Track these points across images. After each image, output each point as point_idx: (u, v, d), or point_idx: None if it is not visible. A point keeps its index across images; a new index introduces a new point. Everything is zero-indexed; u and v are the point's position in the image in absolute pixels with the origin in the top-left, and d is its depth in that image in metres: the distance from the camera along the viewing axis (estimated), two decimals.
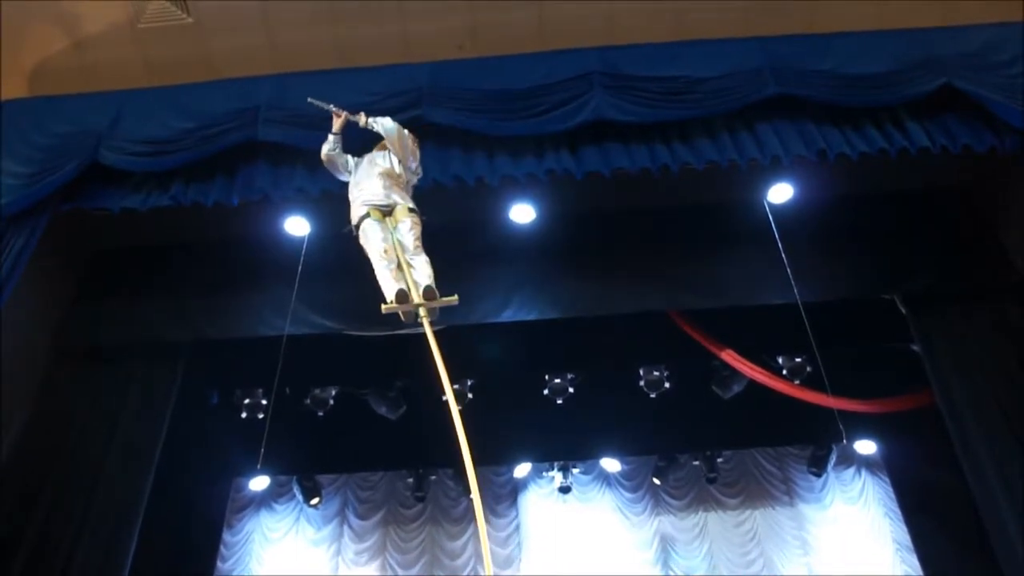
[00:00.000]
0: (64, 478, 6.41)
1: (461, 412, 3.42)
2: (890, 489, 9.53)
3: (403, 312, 3.96)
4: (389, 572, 10.15)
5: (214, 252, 7.33)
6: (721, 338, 7.55)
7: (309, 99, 4.68)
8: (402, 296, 3.92)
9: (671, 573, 9.93)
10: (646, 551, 10.07)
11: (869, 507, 10.00)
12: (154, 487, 6.61)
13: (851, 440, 9.38)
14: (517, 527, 10.34)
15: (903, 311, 6.95)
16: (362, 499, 10.75)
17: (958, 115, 5.70)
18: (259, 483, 10.16)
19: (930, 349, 6.77)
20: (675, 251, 7.05)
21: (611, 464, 10.45)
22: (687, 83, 5.81)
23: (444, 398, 3.56)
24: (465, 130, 5.87)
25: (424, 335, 3.79)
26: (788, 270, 6.34)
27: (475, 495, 3.26)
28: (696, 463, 10.42)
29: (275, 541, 10.32)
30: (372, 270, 4.17)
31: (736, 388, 8.39)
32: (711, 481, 10.35)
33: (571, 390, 8.77)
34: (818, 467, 10.04)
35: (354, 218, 4.37)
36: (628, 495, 10.50)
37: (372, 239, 4.21)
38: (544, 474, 10.58)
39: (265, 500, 10.57)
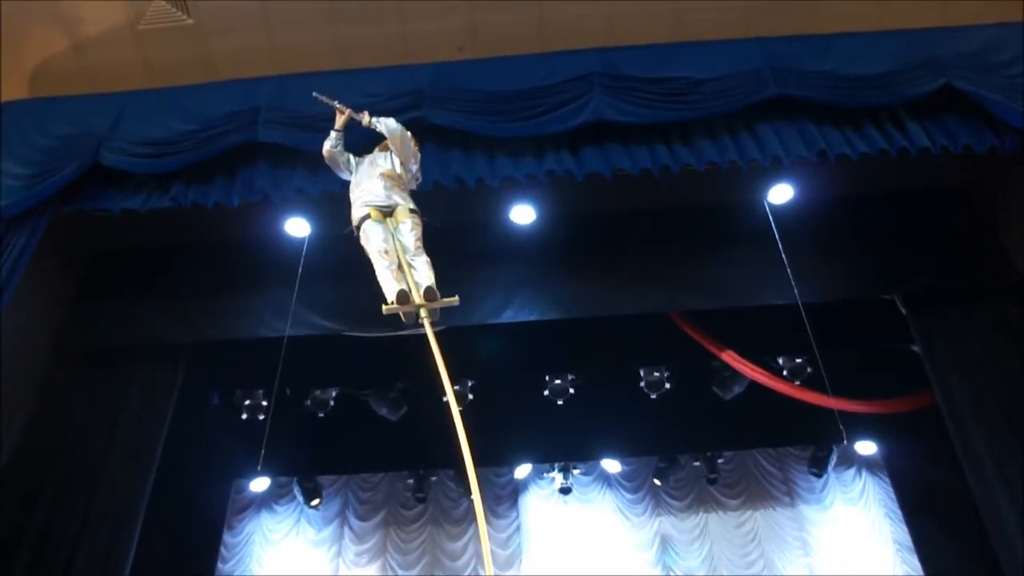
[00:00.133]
0: (64, 479, 6.41)
1: (461, 413, 3.41)
2: (891, 490, 9.53)
3: (404, 313, 3.96)
4: (390, 573, 10.16)
5: (214, 253, 7.33)
6: (721, 339, 7.55)
7: (314, 93, 4.66)
8: (403, 297, 3.92)
9: (671, 574, 9.93)
10: (647, 552, 10.07)
11: (870, 508, 10.00)
12: (154, 488, 6.61)
13: (851, 441, 9.38)
14: (518, 528, 10.35)
15: (903, 311, 6.94)
16: (363, 500, 10.75)
17: (958, 115, 5.70)
18: (260, 484, 10.16)
19: (930, 349, 6.76)
20: (676, 252, 7.05)
21: (612, 465, 10.46)
22: (687, 84, 5.82)
23: (444, 399, 3.56)
24: (465, 131, 5.88)
25: (424, 336, 3.79)
26: (788, 271, 6.34)
27: (476, 496, 3.26)
28: (696, 464, 10.42)
29: (276, 542, 10.32)
30: (373, 271, 4.17)
31: (736, 389, 8.38)
32: (711, 482, 10.36)
33: (571, 391, 8.76)
34: (819, 468, 10.05)
35: (355, 219, 4.36)
36: (629, 496, 10.51)
37: (373, 240, 4.20)
38: (545, 475, 10.58)
39: (266, 501, 10.57)
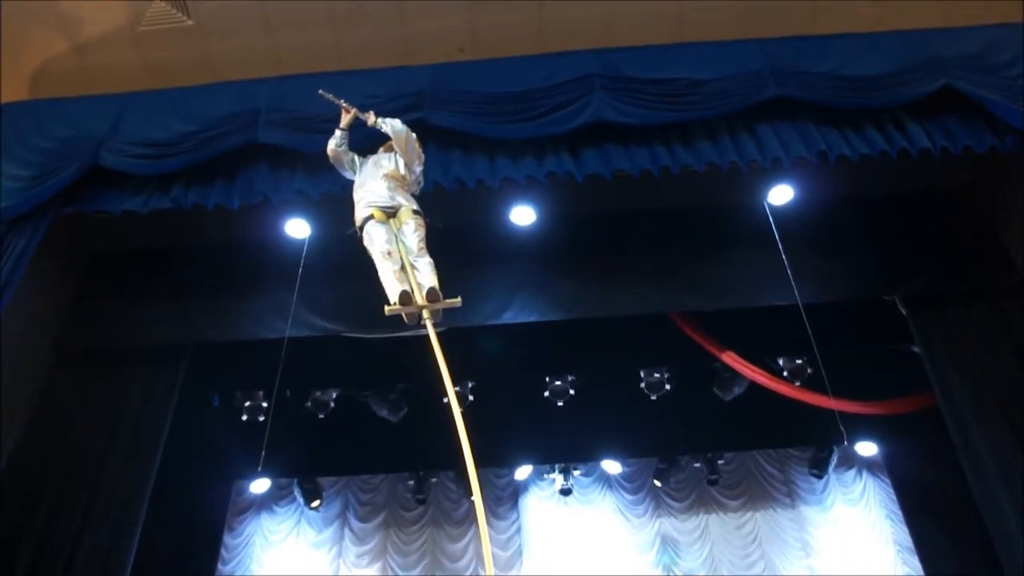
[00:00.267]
0: (65, 480, 6.39)
1: (462, 414, 3.40)
2: (891, 490, 9.54)
3: (406, 314, 3.95)
4: (390, 574, 10.16)
5: (215, 254, 7.33)
6: (722, 340, 7.55)
7: (320, 91, 4.64)
8: (405, 298, 3.92)
9: (672, 575, 9.92)
10: (647, 553, 10.07)
11: (870, 508, 10.01)
12: (155, 489, 6.59)
13: (852, 442, 9.39)
14: (518, 529, 10.35)
15: (903, 312, 6.94)
16: (363, 501, 10.75)
17: (958, 116, 5.70)
18: (260, 486, 10.17)
19: (930, 349, 6.76)
20: (676, 253, 7.05)
21: (612, 466, 10.46)
22: (687, 85, 5.82)
23: (445, 400, 3.55)
24: (466, 133, 5.88)
25: (425, 337, 3.78)
26: (789, 271, 6.34)
27: (477, 497, 3.25)
28: (697, 465, 10.44)
29: (276, 544, 10.32)
30: (375, 272, 4.17)
31: (737, 390, 8.38)
32: (712, 483, 10.36)
33: (572, 392, 8.75)
34: (819, 469, 10.05)
35: (358, 219, 4.36)
36: (629, 497, 10.51)
37: (376, 241, 4.20)
38: (545, 476, 10.59)
39: (266, 503, 10.57)
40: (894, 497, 9.43)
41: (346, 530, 10.52)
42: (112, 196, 5.98)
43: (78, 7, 6.25)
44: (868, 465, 10.21)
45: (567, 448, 9.72)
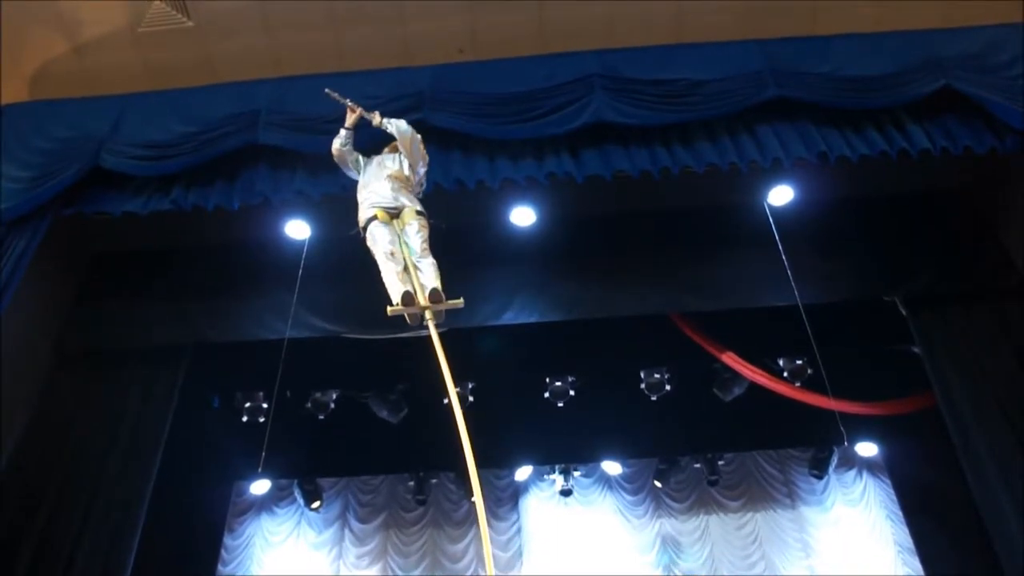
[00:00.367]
0: (65, 481, 6.39)
1: (462, 415, 3.41)
2: (891, 491, 9.54)
3: (409, 315, 3.94)
4: (390, 575, 10.14)
5: (215, 256, 7.32)
6: (722, 340, 7.55)
7: (326, 90, 4.62)
8: (408, 298, 3.90)
9: (672, 575, 9.92)
10: (647, 554, 10.07)
11: (870, 509, 10.00)
12: (155, 490, 6.58)
13: (852, 442, 9.38)
14: (518, 530, 10.34)
15: (903, 312, 6.94)
16: (363, 502, 10.74)
17: (958, 116, 5.70)
18: (260, 487, 10.16)
19: (930, 350, 6.76)
20: (676, 254, 7.05)
21: (612, 467, 10.46)
22: (687, 86, 5.83)
23: (445, 401, 3.55)
24: (466, 133, 5.88)
25: (425, 338, 3.78)
26: (789, 272, 6.34)
27: (478, 498, 3.26)
28: (697, 466, 10.43)
29: (276, 545, 10.31)
30: (376, 272, 4.16)
31: (737, 390, 8.38)
32: (712, 483, 10.35)
33: (572, 393, 8.75)
34: (819, 469, 10.04)
35: (361, 220, 4.35)
36: (629, 498, 10.51)
37: (379, 241, 4.20)
38: (545, 477, 10.59)
39: (266, 504, 10.56)
40: (894, 497, 9.43)
41: (346, 531, 10.51)
42: (112, 197, 5.98)
43: (78, 8, 6.25)
44: (868, 466, 10.21)
45: (567, 449, 9.72)
